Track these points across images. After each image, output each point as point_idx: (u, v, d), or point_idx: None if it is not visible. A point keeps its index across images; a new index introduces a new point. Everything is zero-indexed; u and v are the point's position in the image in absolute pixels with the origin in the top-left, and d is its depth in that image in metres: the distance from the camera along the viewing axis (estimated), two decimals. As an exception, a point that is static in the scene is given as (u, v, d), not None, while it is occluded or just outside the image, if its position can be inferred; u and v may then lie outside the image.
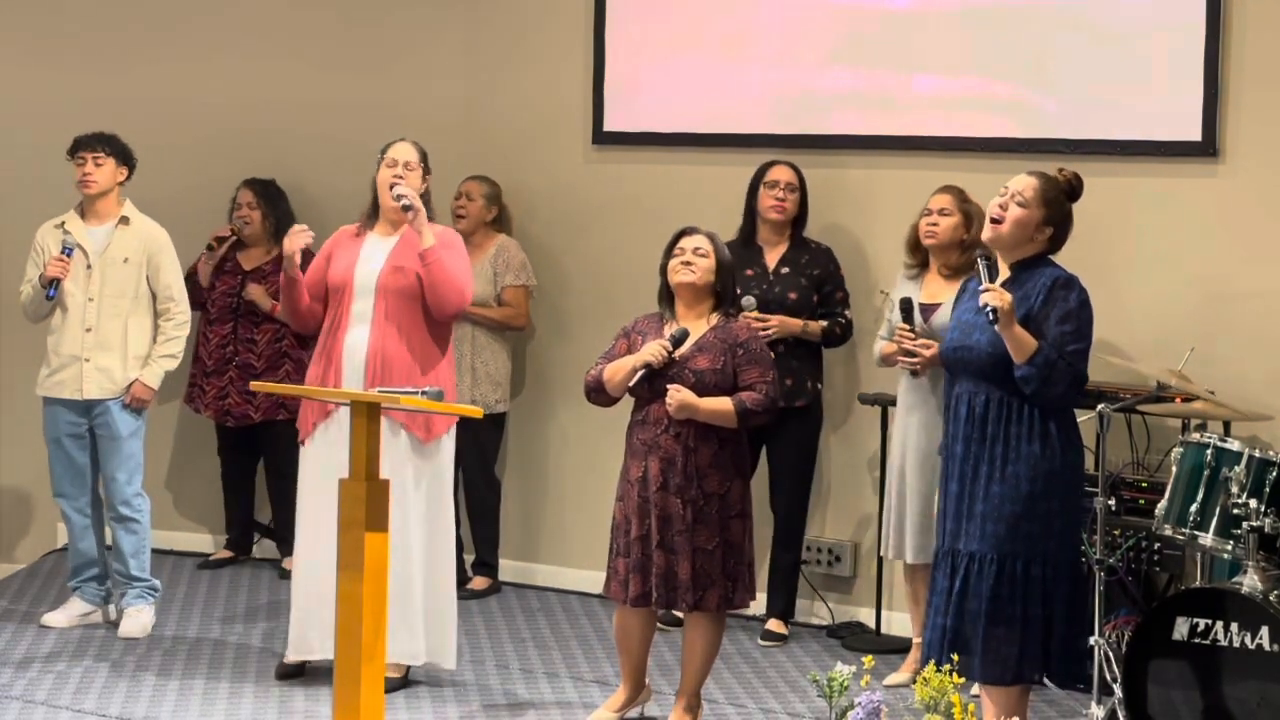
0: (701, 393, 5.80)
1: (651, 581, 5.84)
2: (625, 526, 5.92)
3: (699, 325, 5.92)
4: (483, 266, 7.77)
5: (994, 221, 5.42)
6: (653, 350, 5.82)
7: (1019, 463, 5.36)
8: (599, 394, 5.97)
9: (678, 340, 5.85)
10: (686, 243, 5.94)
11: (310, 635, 6.38)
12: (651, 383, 5.85)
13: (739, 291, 6.30)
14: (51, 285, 6.97)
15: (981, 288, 5.35)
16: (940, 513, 5.56)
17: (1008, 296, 5.29)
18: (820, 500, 7.55)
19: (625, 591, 5.89)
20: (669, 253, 5.96)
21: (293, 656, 6.48)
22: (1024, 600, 5.37)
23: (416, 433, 6.32)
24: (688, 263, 5.90)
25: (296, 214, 8.09)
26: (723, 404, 5.80)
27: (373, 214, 6.51)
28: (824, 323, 7.14)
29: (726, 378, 5.82)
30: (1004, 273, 5.46)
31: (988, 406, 5.40)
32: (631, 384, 5.86)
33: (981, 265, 5.43)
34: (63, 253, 6.99)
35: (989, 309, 5.26)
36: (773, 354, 6.21)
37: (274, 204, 8.11)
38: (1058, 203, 5.45)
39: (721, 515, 5.84)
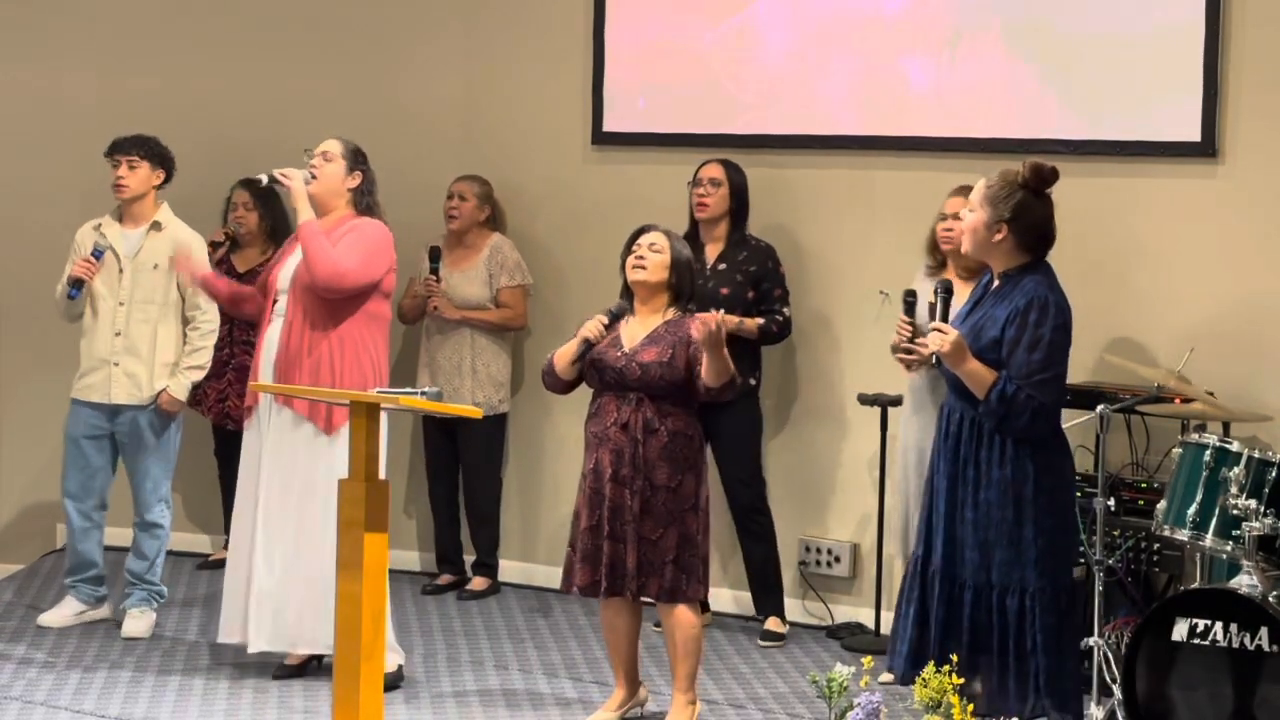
0: (649, 385, 5.88)
1: (601, 570, 5.92)
2: (577, 518, 6.01)
3: (654, 319, 6.00)
4: (478, 269, 7.77)
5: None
6: (589, 326, 5.95)
7: (990, 488, 5.29)
8: (550, 376, 6.08)
9: (616, 315, 5.98)
10: (643, 240, 6.04)
11: (225, 620, 6.53)
12: (601, 374, 5.95)
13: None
14: (75, 286, 6.97)
15: (929, 326, 5.26)
16: (924, 523, 5.50)
17: (950, 337, 5.19)
18: (819, 501, 7.55)
19: (572, 581, 6.00)
20: (627, 249, 6.06)
21: (221, 639, 6.56)
22: (999, 631, 5.30)
23: (318, 423, 6.33)
24: (641, 258, 6.00)
25: (290, 215, 8.08)
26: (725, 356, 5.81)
27: (314, 210, 6.53)
28: (760, 320, 7.14)
29: (675, 370, 5.89)
30: (995, 283, 5.38)
31: (962, 425, 5.33)
32: (574, 360, 5.96)
33: (938, 298, 5.33)
34: (92, 254, 6.98)
35: (931, 353, 5.22)
36: None
37: (269, 205, 8.11)
38: (1005, 199, 5.29)
39: (672, 508, 5.91)
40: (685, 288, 6.05)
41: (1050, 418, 5.31)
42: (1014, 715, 5.33)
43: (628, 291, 6.08)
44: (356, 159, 6.52)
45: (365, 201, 6.52)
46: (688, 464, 5.95)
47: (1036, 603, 5.30)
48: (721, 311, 5.81)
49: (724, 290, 7.13)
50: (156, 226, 7.08)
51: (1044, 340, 5.22)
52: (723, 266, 7.19)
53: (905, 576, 5.54)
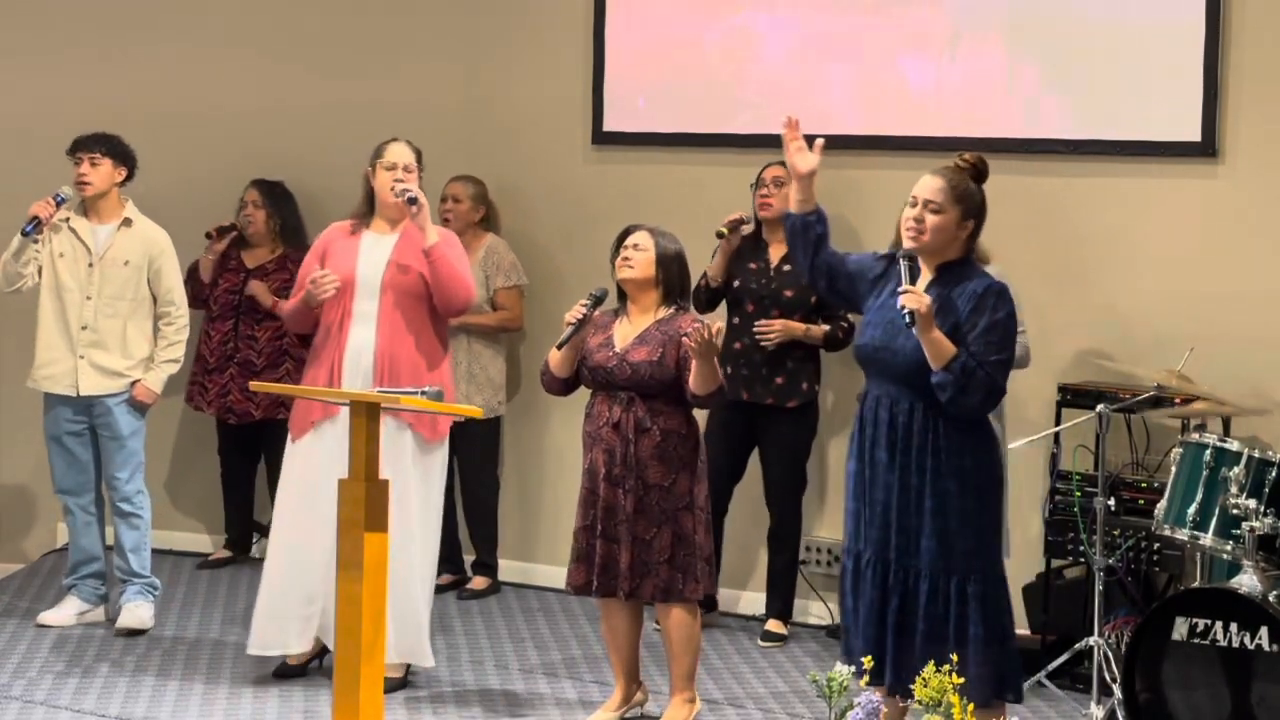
0: (639, 384, 5.90)
1: (594, 570, 5.94)
2: (577, 518, 6.04)
3: (645, 319, 6.01)
4: (474, 270, 7.75)
5: (914, 235, 5.31)
6: (572, 311, 5.97)
7: (949, 477, 5.26)
8: (547, 375, 6.10)
9: (597, 298, 6.01)
10: (628, 239, 6.08)
11: (271, 632, 6.39)
12: (593, 374, 5.99)
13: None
14: (31, 223, 6.95)
15: (900, 289, 5.21)
16: (856, 516, 5.41)
17: (926, 299, 5.18)
18: (820, 500, 7.55)
19: (570, 580, 6.03)
20: (615, 250, 6.10)
21: (254, 651, 6.45)
22: (959, 619, 5.28)
23: (423, 432, 6.32)
24: (626, 258, 6.03)
25: (312, 214, 8.09)
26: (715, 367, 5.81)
27: (368, 212, 6.50)
28: (826, 327, 7.13)
29: (665, 369, 5.90)
30: (925, 275, 5.35)
31: (913, 415, 5.28)
32: (561, 345, 5.97)
33: (904, 265, 5.28)
34: (55, 199, 6.99)
35: (906, 311, 5.15)
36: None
37: (279, 204, 8.12)
38: (969, 194, 5.34)
39: (666, 507, 5.91)
40: (675, 284, 6.05)
41: (998, 401, 5.36)
42: (982, 702, 5.29)
43: (620, 293, 6.09)
44: (420, 162, 6.51)
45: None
46: (681, 463, 5.95)
47: (998, 589, 5.36)
48: (720, 326, 5.79)
49: (788, 292, 7.10)
50: (127, 224, 7.10)
51: (1000, 324, 5.26)
52: (788, 268, 7.13)
53: (845, 574, 5.49)
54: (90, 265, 7.04)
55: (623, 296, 6.10)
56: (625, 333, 6.02)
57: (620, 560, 5.92)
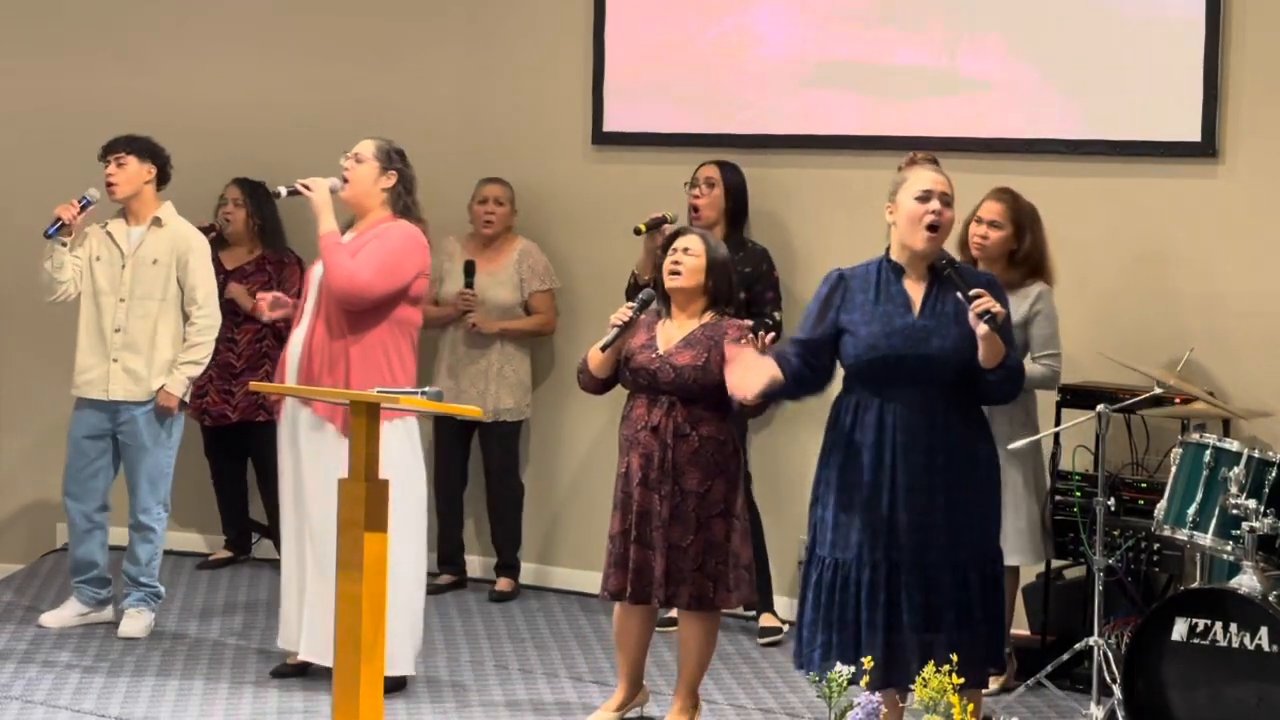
0: (682, 389, 5.84)
1: (627, 576, 5.88)
2: (612, 522, 5.98)
3: (691, 323, 5.95)
4: (508, 273, 7.74)
5: (937, 228, 5.27)
6: (618, 313, 5.91)
7: (979, 466, 5.32)
8: (584, 374, 6.03)
9: (645, 301, 5.95)
10: (678, 243, 6.00)
11: (289, 628, 6.47)
12: (635, 376, 5.92)
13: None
14: (54, 224, 6.93)
15: (974, 293, 5.19)
16: (866, 527, 5.31)
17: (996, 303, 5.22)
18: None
19: (606, 586, 5.96)
20: (664, 252, 6.04)
21: (280, 644, 6.52)
22: (989, 599, 5.34)
23: (337, 425, 6.23)
24: (676, 263, 5.95)
25: (292, 215, 8.08)
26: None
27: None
28: (749, 323, 7.09)
29: (709, 374, 5.84)
30: (915, 276, 5.33)
31: (947, 414, 5.29)
32: (604, 347, 5.91)
33: (954, 274, 5.27)
34: (79, 200, 6.97)
35: (989, 315, 5.13)
36: None
37: (260, 204, 8.09)
38: None
39: (700, 514, 5.85)
40: (723, 290, 5.99)
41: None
42: (985, 677, 5.43)
43: (663, 293, 6.03)
44: (390, 159, 6.42)
45: (402, 202, 6.42)
46: (719, 469, 5.88)
47: (1003, 564, 5.47)
48: (771, 335, 5.68)
49: None
50: (157, 223, 7.08)
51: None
52: None
53: (856, 585, 5.37)
54: (123, 267, 7.03)
55: (665, 297, 6.04)
56: (669, 335, 5.95)
57: (655, 567, 5.85)
